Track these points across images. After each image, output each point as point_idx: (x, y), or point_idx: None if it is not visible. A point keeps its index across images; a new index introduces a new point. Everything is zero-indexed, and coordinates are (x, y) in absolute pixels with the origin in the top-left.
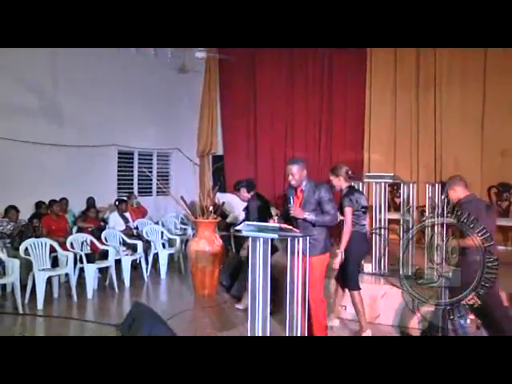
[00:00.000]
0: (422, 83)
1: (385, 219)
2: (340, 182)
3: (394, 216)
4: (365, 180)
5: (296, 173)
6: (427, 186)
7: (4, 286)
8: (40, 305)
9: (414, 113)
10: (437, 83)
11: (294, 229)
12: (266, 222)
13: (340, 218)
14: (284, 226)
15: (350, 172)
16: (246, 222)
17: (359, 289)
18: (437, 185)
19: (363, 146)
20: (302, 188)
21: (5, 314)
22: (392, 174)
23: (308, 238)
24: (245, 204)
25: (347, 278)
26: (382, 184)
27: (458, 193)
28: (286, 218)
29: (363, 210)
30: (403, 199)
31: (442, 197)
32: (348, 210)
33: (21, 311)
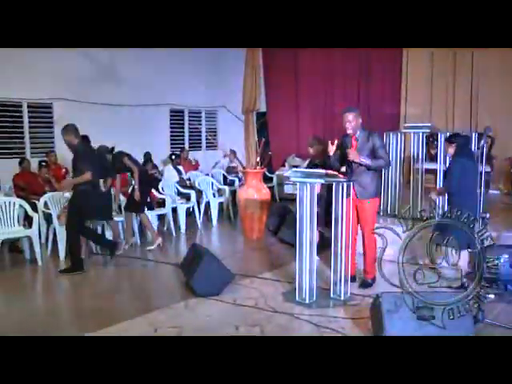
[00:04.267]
0: None
1: (422, 169)
2: None
3: (431, 166)
4: (403, 130)
5: (352, 120)
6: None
7: None
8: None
9: (450, 68)
10: None
11: (340, 175)
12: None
13: None
14: (330, 172)
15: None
16: (294, 169)
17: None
18: (473, 134)
19: (400, 99)
20: (356, 136)
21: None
22: (430, 124)
23: (352, 183)
24: None
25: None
26: (420, 134)
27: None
28: (341, 162)
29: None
30: (440, 149)
31: (482, 142)
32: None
33: (94, 251)
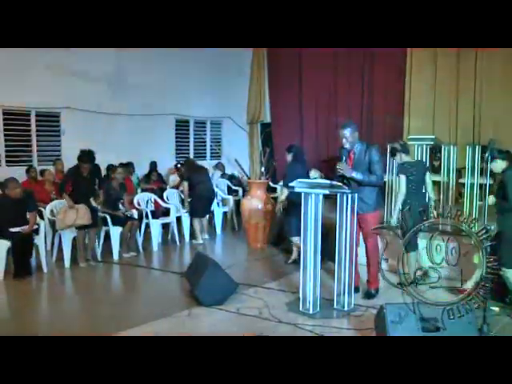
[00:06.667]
0: (463, 49)
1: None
2: None
3: (435, 178)
4: (408, 143)
5: (349, 136)
6: (467, 147)
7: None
8: (115, 255)
9: (453, 77)
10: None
11: (344, 186)
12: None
13: None
14: (335, 183)
15: None
16: (299, 180)
17: None
18: (477, 146)
19: (403, 111)
20: (354, 150)
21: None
22: (434, 137)
23: (357, 195)
24: None
25: None
26: (424, 146)
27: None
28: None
29: None
30: (443, 161)
31: (486, 155)
32: None
33: (99, 259)
